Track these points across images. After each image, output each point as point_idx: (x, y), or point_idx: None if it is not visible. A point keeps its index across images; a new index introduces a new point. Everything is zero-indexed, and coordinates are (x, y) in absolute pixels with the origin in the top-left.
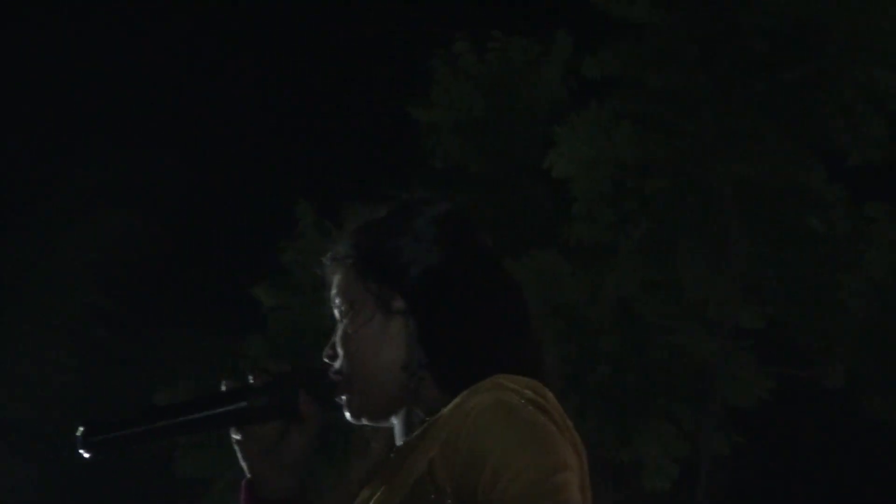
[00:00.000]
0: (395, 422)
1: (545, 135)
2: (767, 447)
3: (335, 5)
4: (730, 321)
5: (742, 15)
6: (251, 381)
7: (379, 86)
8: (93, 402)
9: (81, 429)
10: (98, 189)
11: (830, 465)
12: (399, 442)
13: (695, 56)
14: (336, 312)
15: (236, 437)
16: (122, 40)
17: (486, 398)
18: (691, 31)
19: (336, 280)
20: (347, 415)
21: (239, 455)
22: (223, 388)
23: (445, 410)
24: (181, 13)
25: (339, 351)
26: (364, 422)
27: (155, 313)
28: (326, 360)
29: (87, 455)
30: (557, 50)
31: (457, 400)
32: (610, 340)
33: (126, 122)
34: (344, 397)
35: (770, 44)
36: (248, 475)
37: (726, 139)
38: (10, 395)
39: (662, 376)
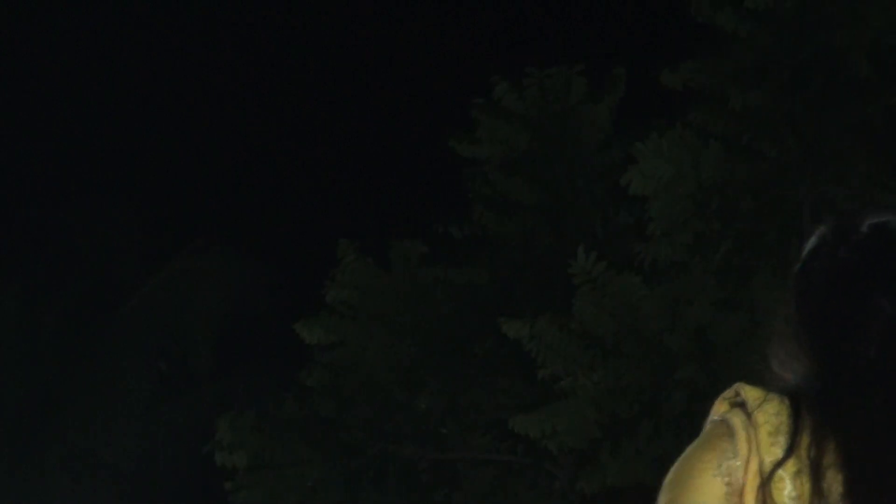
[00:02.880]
0: None
1: (595, 165)
2: None
3: (379, 46)
4: None
5: (838, 36)
6: None
7: (421, 124)
8: (167, 441)
9: None
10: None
11: None
12: None
13: (784, 76)
14: None
15: None
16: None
17: None
18: (781, 48)
19: None
20: None
21: None
22: None
23: None
24: (215, 63)
25: None
26: None
27: (218, 356)
28: None
29: None
30: (611, 85)
31: None
32: (687, 368)
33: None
34: None
35: (872, 67)
36: None
37: (812, 162)
38: (101, 435)
39: None
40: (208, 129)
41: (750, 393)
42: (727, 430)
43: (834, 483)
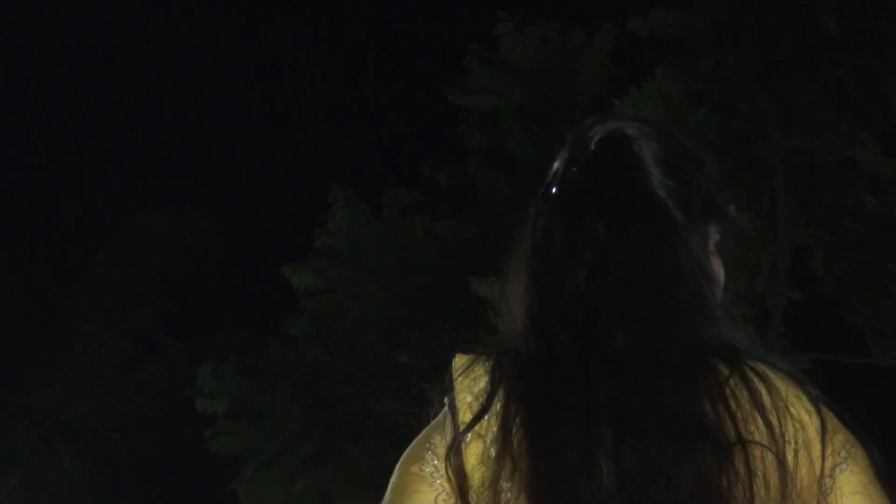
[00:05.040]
0: None
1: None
2: None
3: None
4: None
5: None
6: None
7: (418, 70)
8: (140, 400)
9: None
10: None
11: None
12: None
13: (755, 35)
14: None
15: None
16: (162, 35)
17: None
18: (751, 4)
19: None
20: None
21: None
22: None
23: None
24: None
25: None
26: None
27: (199, 306)
28: None
29: None
30: (600, 39)
31: None
32: None
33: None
34: None
35: (841, 27)
36: None
37: (781, 118)
38: (66, 396)
39: None
40: (181, 84)
41: (458, 361)
42: (445, 413)
43: (522, 443)
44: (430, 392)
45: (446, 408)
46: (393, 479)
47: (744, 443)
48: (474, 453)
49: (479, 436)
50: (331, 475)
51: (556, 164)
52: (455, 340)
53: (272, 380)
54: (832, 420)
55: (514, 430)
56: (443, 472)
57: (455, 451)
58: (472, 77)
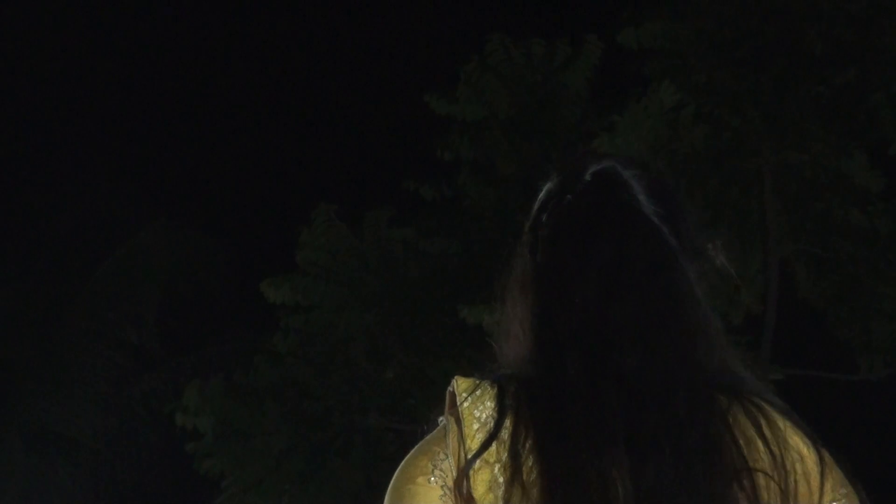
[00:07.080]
0: None
1: (572, 139)
2: None
3: (365, 9)
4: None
5: (798, 16)
6: None
7: (404, 87)
8: (137, 414)
9: None
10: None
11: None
12: None
13: (746, 54)
14: None
15: None
16: (140, 43)
17: None
18: (742, 22)
19: None
20: None
21: None
22: None
23: None
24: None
25: None
26: None
27: (198, 320)
28: None
29: None
30: (586, 53)
31: None
32: None
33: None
34: None
35: (826, 47)
36: None
37: (771, 132)
38: (63, 410)
39: None
40: (169, 102)
41: (461, 384)
42: (444, 430)
43: (533, 469)
44: (417, 408)
45: (444, 425)
46: (398, 493)
47: (749, 469)
48: (483, 480)
49: (488, 463)
50: (317, 492)
51: (545, 192)
52: (440, 356)
53: (258, 397)
54: (829, 456)
55: (524, 456)
56: (451, 486)
57: (465, 479)
58: (460, 86)
